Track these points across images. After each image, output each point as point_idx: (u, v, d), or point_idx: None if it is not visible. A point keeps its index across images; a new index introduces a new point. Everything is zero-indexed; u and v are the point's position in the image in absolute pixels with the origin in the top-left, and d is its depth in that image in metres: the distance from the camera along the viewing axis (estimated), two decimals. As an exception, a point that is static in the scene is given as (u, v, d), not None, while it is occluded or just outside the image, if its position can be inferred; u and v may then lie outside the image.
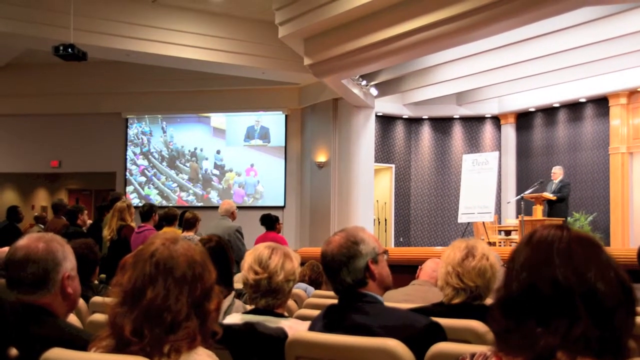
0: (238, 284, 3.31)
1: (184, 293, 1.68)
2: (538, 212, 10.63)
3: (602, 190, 12.64)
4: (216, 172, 14.91)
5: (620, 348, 1.21)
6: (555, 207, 10.62)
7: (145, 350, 1.64)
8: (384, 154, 14.55)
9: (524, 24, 8.53)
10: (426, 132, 15.07)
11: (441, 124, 15.00)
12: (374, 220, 13.86)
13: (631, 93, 12.20)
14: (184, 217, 7.44)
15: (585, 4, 7.80)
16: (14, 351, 1.65)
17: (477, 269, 2.78)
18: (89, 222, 8.92)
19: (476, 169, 12.61)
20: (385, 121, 14.56)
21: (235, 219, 7.94)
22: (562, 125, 13.60)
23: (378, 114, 13.92)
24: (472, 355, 1.35)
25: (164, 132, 15.23)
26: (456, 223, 13.36)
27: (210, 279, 1.75)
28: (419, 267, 4.07)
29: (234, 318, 2.62)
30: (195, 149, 15.03)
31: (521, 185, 13.81)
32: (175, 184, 15.11)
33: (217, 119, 14.95)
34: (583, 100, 13.05)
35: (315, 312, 2.79)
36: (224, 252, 3.18)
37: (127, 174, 15.25)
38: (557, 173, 11.01)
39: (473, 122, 14.91)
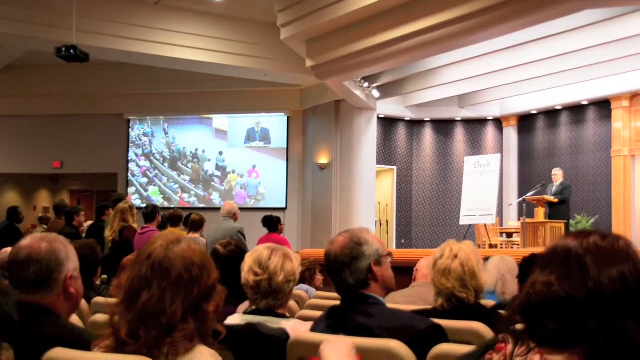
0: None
1: (180, 295, 1.68)
2: (540, 214, 10.62)
3: (604, 192, 12.63)
4: (218, 173, 14.91)
5: None
6: (556, 210, 10.62)
7: (141, 352, 1.65)
8: (385, 155, 14.55)
9: (525, 26, 8.52)
10: (428, 134, 15.07)
11: (443, 126, 15.00)
12: (376, 222, 13.85)
13: (633, 96, 12.19)
14: (191, 219, 7.52)
15: (587, 6, 7.80)
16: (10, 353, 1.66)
17: (442, 270, 2.83)
18: (89, 223, 8.92)
19: (478, 171, 12.62)
20: (387, 123, 14.56)
21: (238, 220, 7.95)
22: (564, 127, 13.60)
23: (380, 116, 13.92)
24: (517, 341, 1.35)
25: (166, 133, 15.23)
26: (458, 225, 13.35)
27: (209, 281, 1.74)
28: (415, 268, 4.07)
29: (235, 319, 2.62)
30: (197, 150, 15.03)
31: (523, 187, 13.80)
32: (177, 186, 15.11)
33: (219, 120, 14.96)
34: (585, 102, 13.04)
35: (317, 313, 2.79)
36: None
37: (129, 175, 15.26)
38: (557, 175, 11.01)
39: (475, 125, 14.91)
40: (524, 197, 11.30)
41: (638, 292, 1.23)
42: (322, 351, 1.80)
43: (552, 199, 10.59)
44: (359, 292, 2.38)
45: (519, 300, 1.31)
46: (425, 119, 14.93)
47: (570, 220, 11.09)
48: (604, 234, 1.31)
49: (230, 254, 3.29)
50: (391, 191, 14.77)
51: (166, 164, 15.19)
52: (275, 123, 14.62)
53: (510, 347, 1.37)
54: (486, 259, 3.67)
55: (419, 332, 2.26)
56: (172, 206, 13.63)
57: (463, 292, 2.81)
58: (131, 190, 15.09)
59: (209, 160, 14.96)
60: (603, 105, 12.74)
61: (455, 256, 2.85)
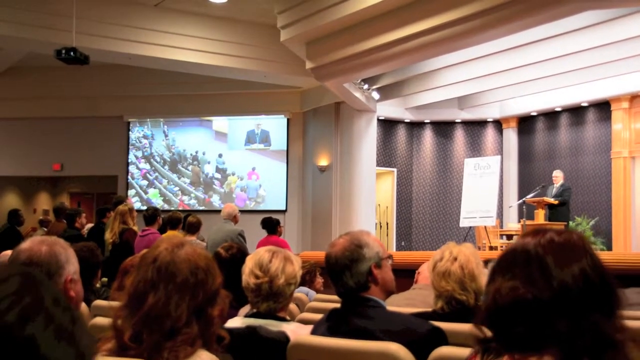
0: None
1: (185, 299, 1.67)
2: (540, 216, 10.62)
3: (604, 194, 12.63)
4: (218, 175, 14.91)
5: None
6: (557, 212, 10.62)
7: (143, 356, 1.64)
8: (385, 157, 14.55)
9: (525, 28, 8.52)
10: (428, 136, 15.07)
11: (443, 128, 15.00)
12: (376, 224, 13.85)
13: (633, 97, 12.19)
14: (188, 221, 7.52)
15: (588, 7, 7.80)
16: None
17: (441, 273, 2.82)
18: (90, 225, 8.93)
19: (478, 173, 12.62)
20: (387, 125, 14.56)
21: (238, 222, 7.95)
22: (564, 129, 13.60)
23: (380, 118, 13.92)
24: (484, 349, 1.33)
25: (166, 135, 15.23)
26: (458, 227, 13.35)
27: (213, 285, 1.74)
28: (417, 271, 4.07)
29: (236, 322, 2.62)
30: (197, 152, 15.03)
31: (523, 189, 13.80)
32: (177, 188, 15.11)
33: (219, 122, 14.96)
34: (585, 104, 13.05)
35: (317, 316, 2.79)
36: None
37: (129, 177, 15.25)
38: (558, 177, 11.02)
39: (475, 126, 14.91)
40: (524, 199, 11.29)
41: (599, 286, 1.24)
42: None
43: (552, 200, 10.59)
44: (360, 294, 2.37)
45: (485, 307, 1.30)
46: (425, 121, 14.93)
47: (571, 222, 11.09)
48: (558, 231, 1.32)
49: (232, 257, 3.28)
50: (391, 193, 14.77)
51: (166, 167, 15.18)
52: (275, 125, 14.62)
53: (478, 357, 1.36)
54: (487, 262, 3.65)
55: (419, 335, 2.26)
56: (172, 209, 13.63)
57: (463, 294, 2.80)
58: (131, 192, 15.08)
59: (209, 163, 14.96)
60: (603, 107, 12.74)
61: (455, 259, 2.84)
